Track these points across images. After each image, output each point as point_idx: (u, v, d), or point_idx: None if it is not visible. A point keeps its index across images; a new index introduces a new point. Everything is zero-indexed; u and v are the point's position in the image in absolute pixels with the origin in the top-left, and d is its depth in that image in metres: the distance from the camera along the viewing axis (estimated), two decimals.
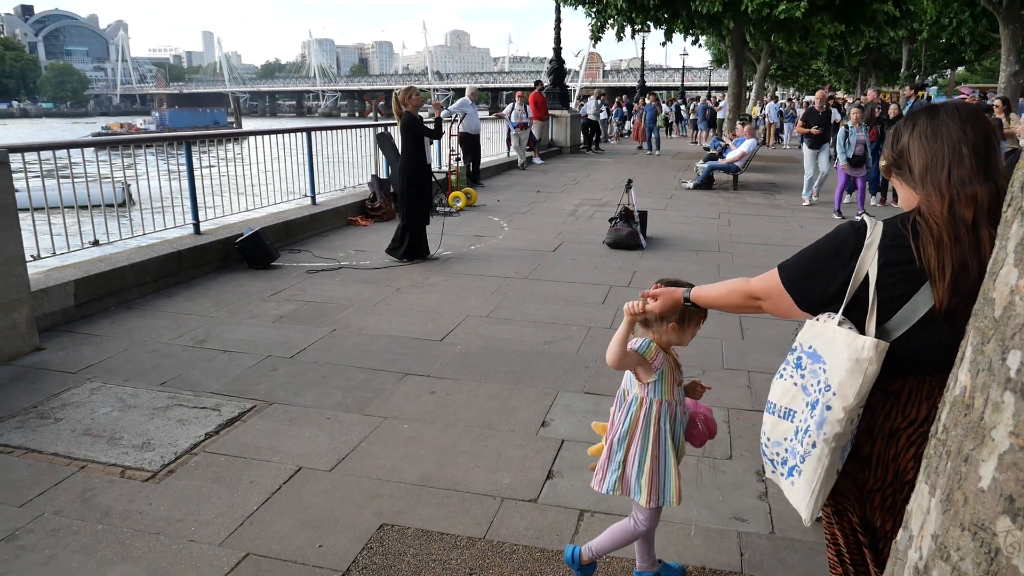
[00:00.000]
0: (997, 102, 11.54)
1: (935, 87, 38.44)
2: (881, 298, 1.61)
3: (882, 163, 1.78)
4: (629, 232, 8.42)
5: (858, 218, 1.76)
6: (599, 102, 24.48)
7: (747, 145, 14.04)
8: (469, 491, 3.26)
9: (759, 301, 1.90)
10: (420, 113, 7.74)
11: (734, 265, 7.65)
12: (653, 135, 22.29)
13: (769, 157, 20.44)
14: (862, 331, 1.63)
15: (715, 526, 3.03)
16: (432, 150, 8.98)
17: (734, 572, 2.75)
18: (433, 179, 10.68)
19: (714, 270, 7.42)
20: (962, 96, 10.12)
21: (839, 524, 1.83)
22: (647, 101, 23.42)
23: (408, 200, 7.65)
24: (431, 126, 8.07)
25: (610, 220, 8.78)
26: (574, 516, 3.08)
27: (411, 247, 7.69)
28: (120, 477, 3.34)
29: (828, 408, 1.62)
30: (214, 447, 3.62)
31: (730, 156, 14.19)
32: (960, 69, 40.62)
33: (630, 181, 9.04)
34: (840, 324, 1.64)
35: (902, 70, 29.62)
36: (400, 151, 7.77)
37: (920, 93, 14.91)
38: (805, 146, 12.19)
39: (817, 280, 1.72)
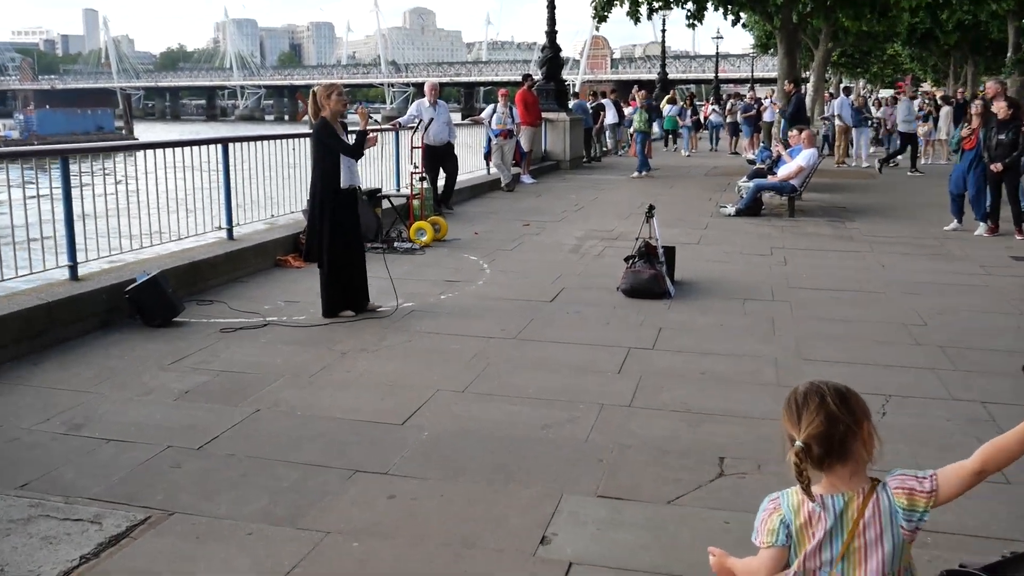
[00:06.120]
0: None
1: None
2: None
3: None
4: (652, 275, 8.46)
5: None
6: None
7: (805, 157, 14.23)
8: None
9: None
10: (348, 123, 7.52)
11: (794, 317, 7.68)
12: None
13: (835, 173, 20.69)
14: None
15: None
16: (362, 167, 8.62)
17: None
18: (386, 204, 10.80)
19: (768, 325, 7.44)
20: None
21: None
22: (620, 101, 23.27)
23: (320, 237, 7.27)
24: (352, 137, 7.49)
25: (626, 259, 8.82)
26: None
27: (333, 298, 7.39)
28: None
29: None
30: (93, 575, 3.55)
31: (783, 172, 14.38)
32: None
33: (651, 207, 9.13)
34: None
35: (1008, 54, 29.94)
36: (313, 167, 7.45)
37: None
38: None
39: None
